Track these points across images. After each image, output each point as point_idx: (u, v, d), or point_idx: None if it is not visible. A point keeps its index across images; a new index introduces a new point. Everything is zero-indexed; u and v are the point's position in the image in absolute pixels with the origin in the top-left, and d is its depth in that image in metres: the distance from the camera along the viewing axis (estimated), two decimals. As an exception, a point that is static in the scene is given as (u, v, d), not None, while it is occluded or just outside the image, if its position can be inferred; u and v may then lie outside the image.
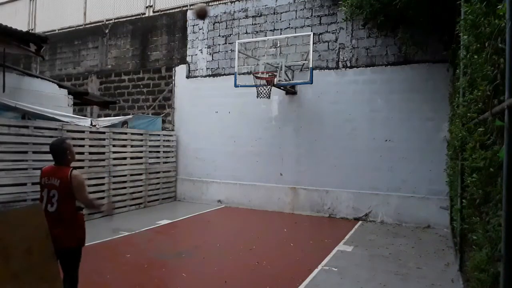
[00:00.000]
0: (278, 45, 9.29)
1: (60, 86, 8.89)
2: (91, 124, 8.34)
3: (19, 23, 13.07)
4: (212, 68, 10.43)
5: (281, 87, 8.79)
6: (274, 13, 9.61)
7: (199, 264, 5.35)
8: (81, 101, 9.98)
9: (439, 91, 7.72)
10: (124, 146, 9.05)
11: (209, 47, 10.49)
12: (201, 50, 10.59)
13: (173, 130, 10.85)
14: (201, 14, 5.41)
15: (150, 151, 9.78)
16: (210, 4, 10.57)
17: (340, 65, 8.84)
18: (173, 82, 10.98)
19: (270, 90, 8.38)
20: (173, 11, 11.26)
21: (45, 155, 7.11)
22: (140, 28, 11.67)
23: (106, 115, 11.66)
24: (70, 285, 3.41)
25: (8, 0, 15.14)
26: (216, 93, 10.23)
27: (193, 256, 5.73)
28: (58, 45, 13.09)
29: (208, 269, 5.19)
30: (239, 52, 8.81)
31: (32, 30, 13.86)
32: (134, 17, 11.94)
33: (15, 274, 2.58)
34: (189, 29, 10.79)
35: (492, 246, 2.24)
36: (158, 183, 10.06)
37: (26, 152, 6.80)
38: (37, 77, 8.88)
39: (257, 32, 9.80)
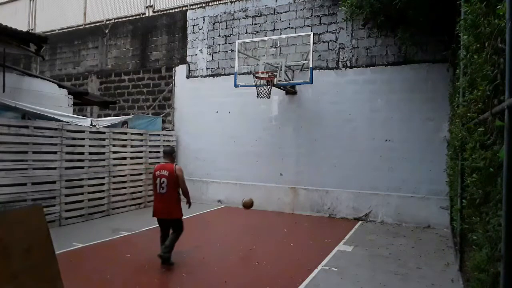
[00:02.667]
0: (278, 45, 9.29)
1: (60, 86, 8.89)
2: (91, 124, 8.34)
3: (19, 23, 13.06)
4: (212, 68, 10.43)
5: (281, 87, 8.79)
6: (274, 13, 9.61)
7: (199, 264, 5.35)
8: (81, 101, 9.99)
9: (439, 91, 7.72)
10: (124, 146, 9.05)
11: (209, 47, 10.49)
12: (201, 50, 10.60)
13: (173, 130, 10.85)
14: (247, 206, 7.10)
15: (150, 151, 9.78)
16: (210, 4, 10.58)
17: (340, 65, 8.84)
18: (173, 82, 10.98)
19: (270, 90, 8.38)
20: (173, 11, 11.26)
21: (45, 155, 7.13)
22: (140, 28, 11.67)
23: (106, 115, 11.67)
24: (177, 234, 5.25)
25: (8, 0, 15.15)
26: (216, 93, 10.23)
27: (193, 256, 5.73)
28: (58, 45, 13.09)
29: (208, 269, 5.19)
30: (239, 52, 8.80)
31: (32, 30, 13.86)
32: (134, 17, 11.94)
33: (15, 274, 2.58)
34: (189, 29, 10.79)
35: (492, 246, 2.24)
36: (158, 183, 10.04)
37: (26, 152, 6.80)
38: (37, 77, 8.88)
39: (257, 32, 9.80)
